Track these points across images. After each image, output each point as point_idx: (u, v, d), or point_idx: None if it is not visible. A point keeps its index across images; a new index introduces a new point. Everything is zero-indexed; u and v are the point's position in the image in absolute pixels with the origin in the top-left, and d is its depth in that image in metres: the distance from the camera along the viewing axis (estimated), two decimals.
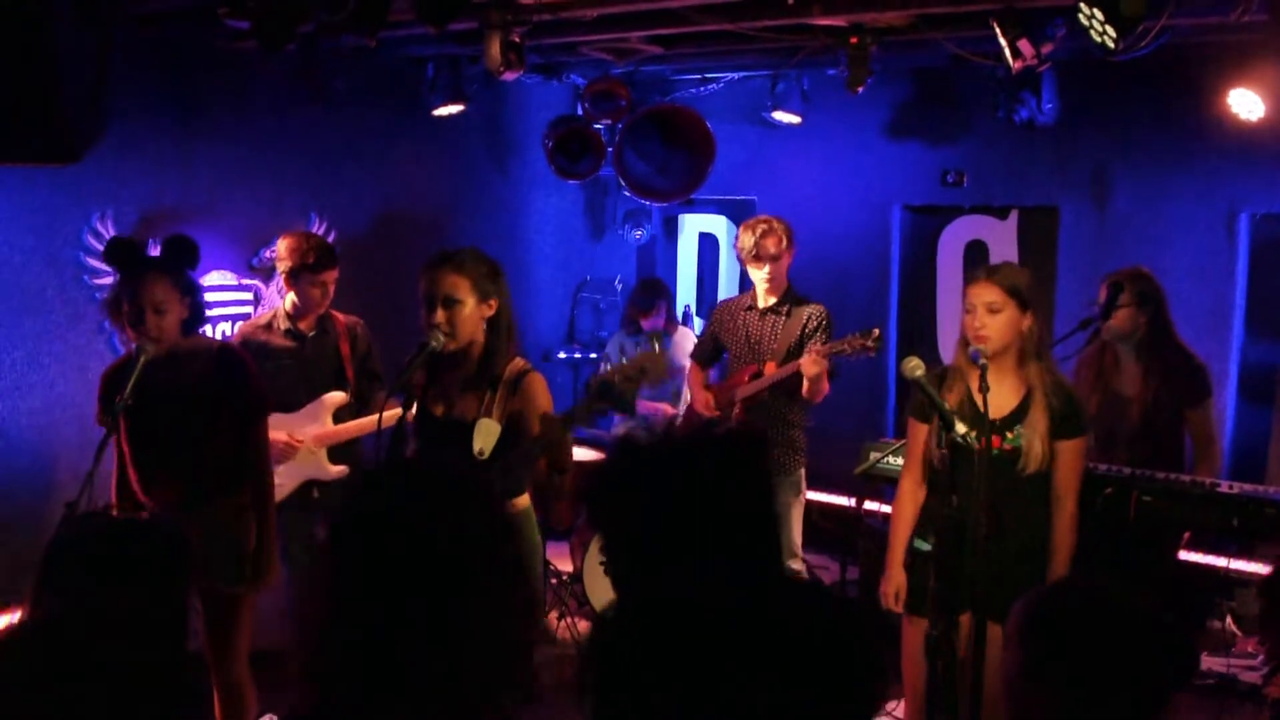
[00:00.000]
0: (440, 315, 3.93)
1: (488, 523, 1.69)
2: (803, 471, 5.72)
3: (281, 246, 5.36)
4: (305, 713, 1.64)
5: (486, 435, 3.91)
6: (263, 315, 5.61)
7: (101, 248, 5.51)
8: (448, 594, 1.60)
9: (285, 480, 5.31)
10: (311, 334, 5.41)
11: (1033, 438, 4.01)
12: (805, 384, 5.42)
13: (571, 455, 3.95)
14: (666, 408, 7.17)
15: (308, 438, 5.34)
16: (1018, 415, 4.04)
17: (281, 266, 5.34)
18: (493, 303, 4.02)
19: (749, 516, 1.88)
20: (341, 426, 5.40)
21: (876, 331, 5.35)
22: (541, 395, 4.01)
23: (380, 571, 1.62)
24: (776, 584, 1.64)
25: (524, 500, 4.11)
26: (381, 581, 1.61)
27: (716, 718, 1.42)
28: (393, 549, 1.62)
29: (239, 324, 5.97)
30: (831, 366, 5.45)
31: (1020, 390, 4.07)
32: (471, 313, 3.97)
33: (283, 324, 5.38)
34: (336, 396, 5.40)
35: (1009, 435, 4.03)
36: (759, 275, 5.69)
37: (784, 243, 5.63)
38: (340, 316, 5.51)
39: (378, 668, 1.58)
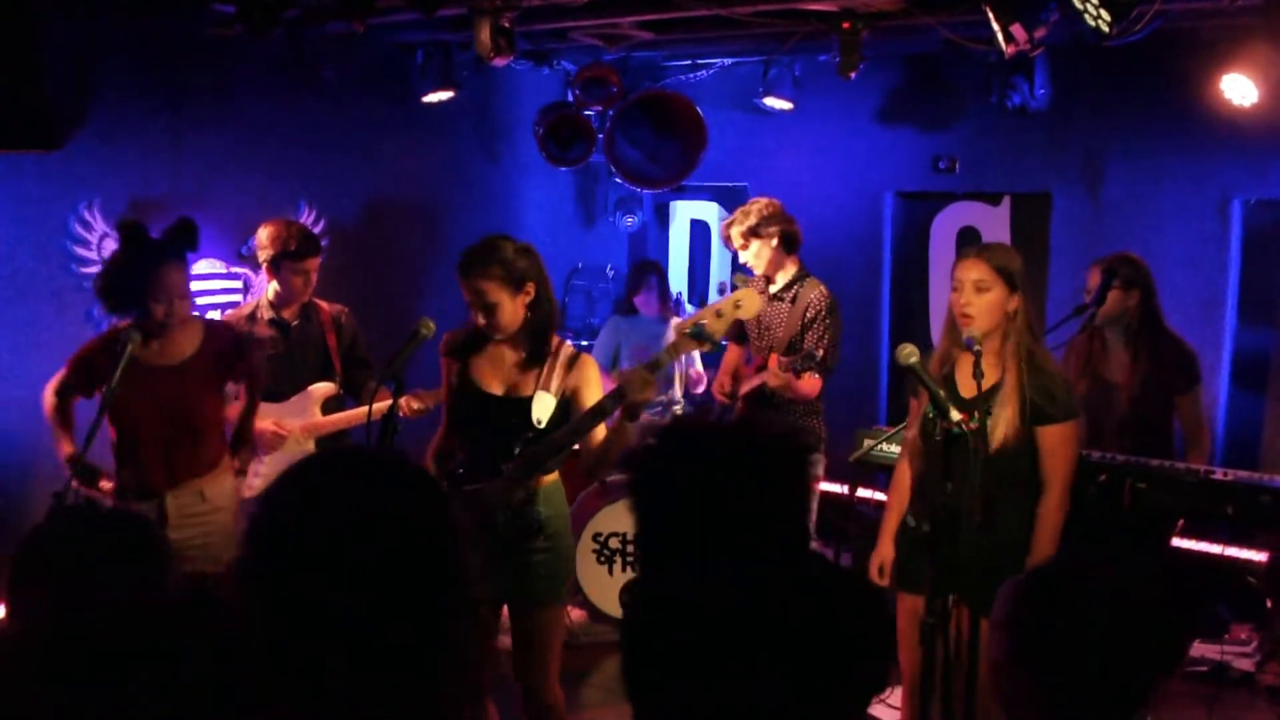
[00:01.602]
0: (482, 320, 4.09)
1: (427, 513, 1.65)
2: (820, 461, 5.60)
3: (263, 234, 5.31)
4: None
5: (544, 407, 4.10)
6: (245, 306, 5.57)
7: (105, 232, 5.60)
8: (364, 585, 1.57)
9: (272, 470, 5.28)
10: (295, 322, 5.36)
11: (998, 418, 3.95)
12: (778, 389, 5.37)
13: (648, 401, 4.11)
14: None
15: (295, 428, 5.31)
16: (989, 395, 4.00)
17: (263, 255, 5.29)
18: (530, 288, 4.12)
19: (789, 509, 1.86)
20: (330, 417, 5.36)
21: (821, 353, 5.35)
22: (596, 376, 4.21)
23: (295, 560, 1.59)
24: (794, 569, 1.64)
25: (554, 475, 4.25)
26: (291, 566, 1.58)
27: (730, 699, 1.44)
28: (310, 536, 1.59)
29: (225, 314, 5.93)
30: (811, 366, 5.36)
31: (998, 371, 4.04)
32: (510, 307, 4.08)
33: (266, 313, 5.34)
34: (325, 387, 5.36)
35: (975, 415, 3.98)
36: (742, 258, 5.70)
37: (746, 235, 5.56)
38: (325, 305, 5.46)
39: (293, 655, 1.56)
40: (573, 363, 4.17)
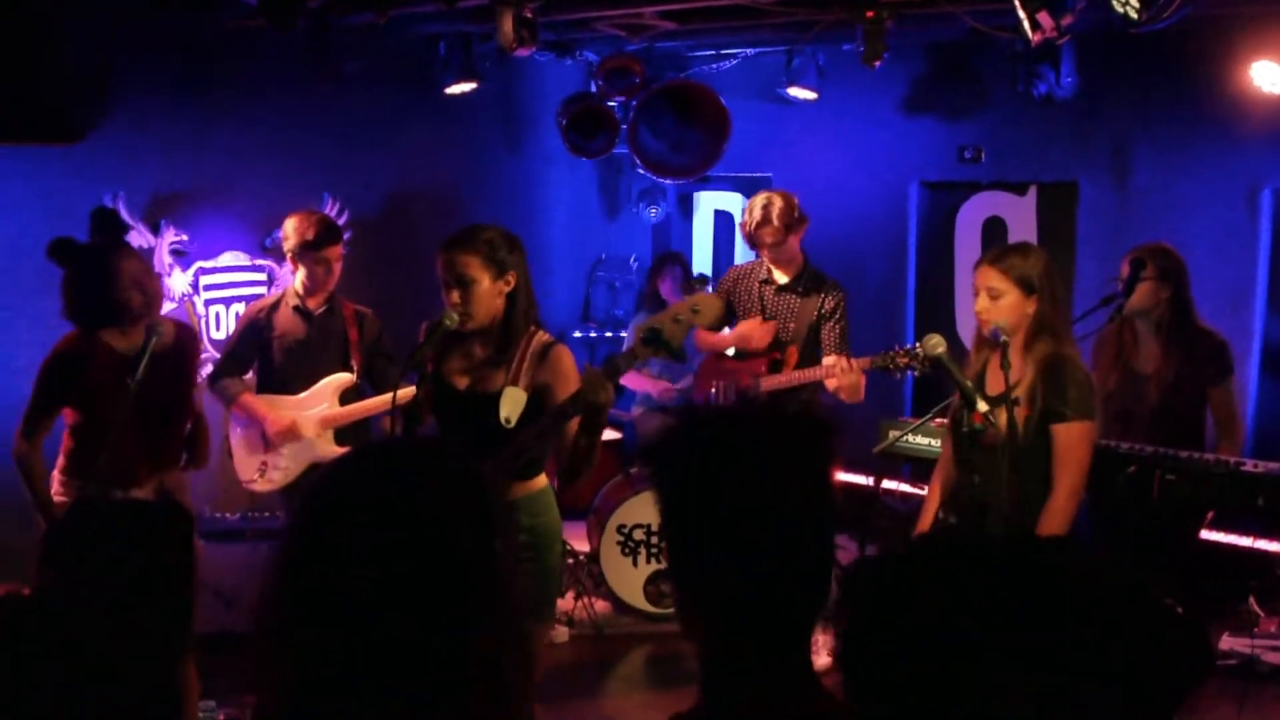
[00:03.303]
0: (456, 296, 3.90)
1: (469, 508, 1.63)
2: None
3: (287, 226, 5.36)
4: (271, 704, 1.60)
5: (513, 403, 3.88)
6: (271, 295, 5.61)
7: (131, 225, 5.83)
8: (412, 581, 1.55)
9: (290, 463, 5.30)
10: (319, 312, 5.38)
11: (1002, 411, 3.92)
12: (840, 389, 5.20)
13: (608, 413, 3.86)
14: (668, 385, 7.14)
15: (313, 420, 5.31)
16: (1006, 394, 3.96)
17: (287, 246, 5.35)
18: (510, 276, 3.95)
19: (817, 495, 1.83)
20: (348, 408, 5.36)
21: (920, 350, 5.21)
22: (570, 368, 3.97)
23: (337, 552, 1.56)
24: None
25: (541, 480, 4.10)
26: (335, 563, 1.56)
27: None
28: (353, 527, 1.57)
29: (248, 304, 5.94)
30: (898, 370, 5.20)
31: (1020, 370, 4.01)
32: (488, 289, 3.91)
33: (292, 301, 5.38)
34: (343, 378, 5.36)
35: (992, 412, 3.95)
36: (764, 255, 5.61)
37: (782, 230, 5.45)
38: (349, 304, 5.48)
39: (334, 655, 1.53)
40: (544, 354, 3.95)
